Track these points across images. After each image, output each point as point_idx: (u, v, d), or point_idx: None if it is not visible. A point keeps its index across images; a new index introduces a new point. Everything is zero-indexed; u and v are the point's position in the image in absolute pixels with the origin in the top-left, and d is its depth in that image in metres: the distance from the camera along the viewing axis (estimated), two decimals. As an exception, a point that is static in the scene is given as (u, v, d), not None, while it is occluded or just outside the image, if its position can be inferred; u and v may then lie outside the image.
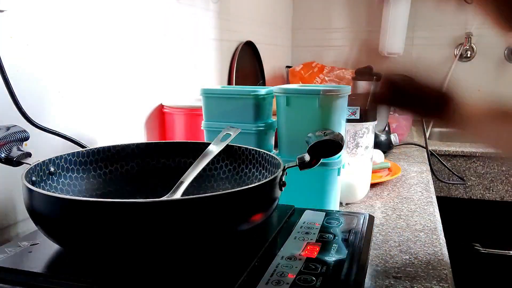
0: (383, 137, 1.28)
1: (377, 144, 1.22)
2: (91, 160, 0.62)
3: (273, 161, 0.59)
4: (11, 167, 0.54)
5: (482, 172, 1.46)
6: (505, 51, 1.90)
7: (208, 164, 0.60)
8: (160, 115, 0.99)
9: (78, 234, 0.43)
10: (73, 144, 0.68)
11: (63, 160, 0.58)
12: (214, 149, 0.61)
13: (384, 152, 1.21)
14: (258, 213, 0.48)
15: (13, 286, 0.43)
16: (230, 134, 0.64)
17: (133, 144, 0.66)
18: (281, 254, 0.48)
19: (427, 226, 0.73)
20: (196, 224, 0.43)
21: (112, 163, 0.64)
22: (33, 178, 0.51)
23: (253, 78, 1.59)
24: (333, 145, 0.52)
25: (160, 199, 0.47)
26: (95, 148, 0.62)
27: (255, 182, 0.60)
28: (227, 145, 0.63)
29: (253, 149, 0.63)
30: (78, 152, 0.60)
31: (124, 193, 0.64)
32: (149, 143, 0.67)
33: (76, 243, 0.45)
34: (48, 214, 0.44)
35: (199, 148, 0.66)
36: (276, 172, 0.52)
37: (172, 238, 0.43)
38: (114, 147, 0.64)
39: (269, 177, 0.50)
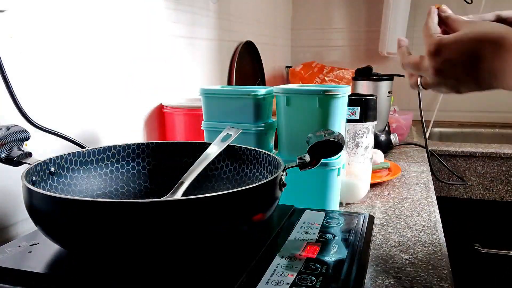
0: (383, 137, 1.28)
1: (377, 144, 1.22)
2: (92, 160, 0.62)
3: (274, 161, 0.59)
4: (11, 167, 0.54)
5: (482, 172, 1.46)
6: (505, 51, 1.89)
7: (208, 164, 0.60)
8: (160, 115, 0.99)
9: (78, 234, 0.43)
10: (73, 145, 0.68)
11: (63, 160, 0.58)
12: (215, 149, 0.61)
13: (384, 152, 1.21)
14: (258, 213, 0.48)
15: (13, 286, 0.43)
16: (231, 135, 0.64)
17: (133, 144, 0.66)
18: (281, 254, 0.48)
19: (427, 226, 0.73)
20: (197, 224, 0.43)
21: (113, 163, 0.64)
22: (33, 178, 0.51)
23: (253, 78, 1.59)
24: (333, 146, 0.52)
25: (161, 199, 0.47)
26: (96, 148, 0.62)
27: (256, 182, 0.60)
28: (228, 145, 0.63)
29: (253, 149, 0.63)
30: (78, 152, 0.60)
31: (125, 193, 0.64)
32: (150, 143, 0.67)
33: (76, 243, 0.45)
34: (48, 214, 0.44)
35: (200, 148, 0.66)
36: (276, 172, 0.52)
37: (172, 238, 0.43)
38: (114, 147, 0.64)
39: (269, 177, 0.50)
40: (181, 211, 0.42)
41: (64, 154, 0.58)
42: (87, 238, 0.43)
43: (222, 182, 0.65)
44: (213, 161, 0.63)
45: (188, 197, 0.42)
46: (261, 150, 0.62)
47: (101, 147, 0.63)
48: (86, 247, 0.44)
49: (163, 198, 0.52)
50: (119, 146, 0.65)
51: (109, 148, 0.64)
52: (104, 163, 0.63)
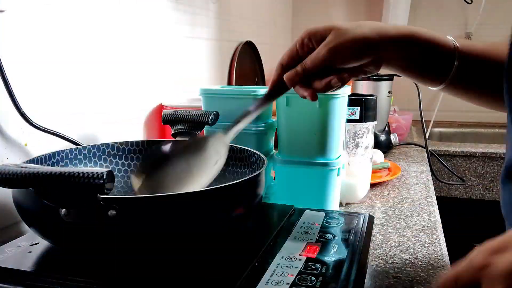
0: (383, 137, 1.28)
1: (377, 144, 1.22)
2: (90, 158, 0.62)
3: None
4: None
5: (482, 172, 1.46)
6: (505, 51, 1.89)
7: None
8: (160, 115, 0.99)
9: (70, 232, 0.43)
10: (72, 145, 0.68)
11: (58, 155, 0.58)
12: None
13: (384, 152, 1.21)
14: (238, 208, 0.49)
15: (13, 286, 0.43)
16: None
17: (130, 142, 0.66)
18: (281, 254, 0.48)
19: (427, 226, 0.73)
20: (187, 219, 0.43)
21: (111, 161, 0.64)
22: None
23: (253, 78, 1.59)
24: None
25: (157, 195, 0.47)
26: (91, 145, 0.62)
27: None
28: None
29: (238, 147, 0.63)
30: (73, 148, 0.61)
31: (121, 191, 0.64)
32: (147, 141, 0.67)
33: (69, 240, 0.45)
34: (33, 210, 0.44)
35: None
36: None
37: (170, 232, 0.43)
38: (107, 145, 0.65)
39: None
40: (172, 206, 0.42)
41: (59, 150, 0.58)
42: (80, 235, 0.43)
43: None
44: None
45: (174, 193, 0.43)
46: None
47: (95, 144, 0.63)
48: (79, 244, 0.45)
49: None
50: (115, 143, 0.65)
51: (103, 145, 0.64)
52: (96, 158, 0.63)
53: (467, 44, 0.55)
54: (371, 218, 0.60)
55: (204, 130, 0.78)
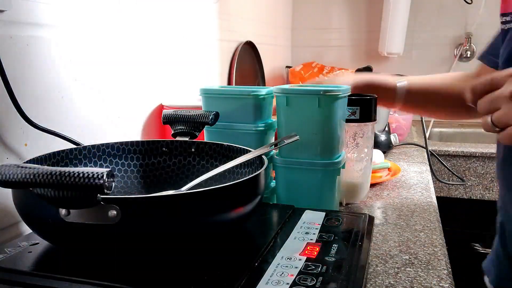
0: (383, 137, 1.28)
1: (377, 144, 1.22)
2: (90, 158, 0.62)
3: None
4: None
5: (482, 172, 1.46)
6: (505, 51, 1.89)
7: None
8: (160, 115, 0.99)
9: (68, 233, 0.43)
10: (72, 145, 0.68)
11: (58, 156, 0.58)
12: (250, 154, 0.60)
13: (384, 152, 1.21)
14: (237, 208, 0.49)
15: (13, 286, 0.43)
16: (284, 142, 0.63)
17: (129, 142, 0.66)
18: (281, 254, 0.48)
19: (427, 226, 0.73)
20: (184, 219, 0.43)
21: (111, 161, 0.64)
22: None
23: (253, 78, 1.59)
24: None
25: (157, 195, 0.47)
26: (90, 145, 0.62)
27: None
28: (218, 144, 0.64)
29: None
30: (73, 148, 0.60)
31: (120, 191, 0.64)
32: (146, 141, 0.67)
33: (75, 241, 0.45)
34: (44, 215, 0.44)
35: (197, 148, 0.66)
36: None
37: (170, 232, 0.43)
38: (107, 145, 0.64)
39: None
40: (172, 206, 0.43)
41: (59, 150, 0.58)
42: (80, 235, 0.43)
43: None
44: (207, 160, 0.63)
45: (174, 193, 0.42)
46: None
47: (95, 144, 0.63)
48: (79, 245, 0.45)
49: (157, 194, 0.52)
50: (115, 143, 0.65)
51: (103, 145, 0.64)
52: (96, 158, 0.63)
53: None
54: (371, 218, 0.60)
55: (204, 130, 0.78)
